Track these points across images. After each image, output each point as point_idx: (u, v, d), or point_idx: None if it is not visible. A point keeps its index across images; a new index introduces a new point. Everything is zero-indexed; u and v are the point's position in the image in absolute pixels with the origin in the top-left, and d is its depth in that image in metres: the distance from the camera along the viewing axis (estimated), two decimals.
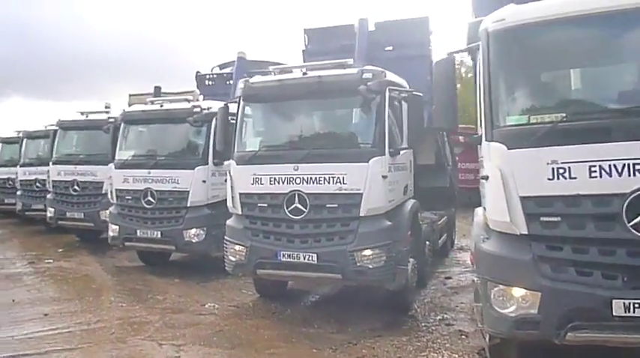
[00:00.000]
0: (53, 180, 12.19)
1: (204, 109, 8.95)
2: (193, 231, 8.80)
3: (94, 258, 10.81)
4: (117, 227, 9.32)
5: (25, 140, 15.29)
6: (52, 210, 12.14)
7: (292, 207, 6.28)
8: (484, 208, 4.51)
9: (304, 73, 6.58)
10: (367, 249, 6.05)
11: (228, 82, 12.17)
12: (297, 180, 6.27)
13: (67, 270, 9.32)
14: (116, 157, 9.63)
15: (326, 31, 9.88)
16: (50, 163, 12.40)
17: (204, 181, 8.87)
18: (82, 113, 12.52)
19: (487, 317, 4.14)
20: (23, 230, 15.14)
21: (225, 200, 9.14)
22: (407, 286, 6.63)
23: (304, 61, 10.06)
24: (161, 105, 9.36)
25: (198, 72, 12.48)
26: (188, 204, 8.82)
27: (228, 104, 7.31)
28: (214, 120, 8.95)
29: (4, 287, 7.95)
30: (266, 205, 6.46)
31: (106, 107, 15.55)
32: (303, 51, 9.99)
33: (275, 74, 6.97)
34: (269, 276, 6.68)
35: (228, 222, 6.90)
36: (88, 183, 11.73)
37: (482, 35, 4.36)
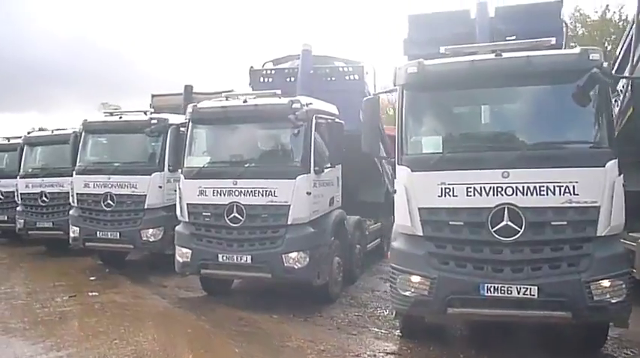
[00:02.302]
0: (78, 193, 10.16)
1: (304, 106, 7.35)
2: (294, 254, 7.14)
3: (142, 287, 8.91)
4: (189, 251, 7.54)
5: (25, 147, 13.02)
6: (77, 229, 10.09)
7: (500, 225, 4.84)
8: None
9: (497, 54, 5.17)
10: (606, 278, 4.67)
11: (289, 79, 10.55)
12: (508, 191, 4.83)
13: (130, 308, 7.39)
14: (185, 165, 7.82)
15: (434, 17, 8.49)
16: (74, 173, 10.36)
17: (308, 193, 7.25)
18: (112, 114, 10.61)
19: None
20: (23, 253, 12.84)
21: (325, 215, 7.79)
22: None
23: (405, 53, 8.69)
24: (245, 101, 7.65)
25: (251, 67, 10.78)
26: (289, 222, 7.16)
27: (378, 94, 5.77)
28: (314, 118, 7.47)
29: (76, 337, 5.89)
30: (461, 224, 4.98)
31: (116, 109, 13.78)
32: (404, 40, 8.57)
33: (449, 56, 5.50)
34: (466, 316, 5.17)
35: (397, 244, 5.35)
36: (126, 196, 9.81)
37: None
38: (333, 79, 10.40)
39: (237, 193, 7.31)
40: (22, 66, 40.73)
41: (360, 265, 9.77)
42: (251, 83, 10.78)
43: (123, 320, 6.63)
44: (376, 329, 6.54)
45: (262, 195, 7.22)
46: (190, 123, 7.90)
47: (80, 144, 10.49)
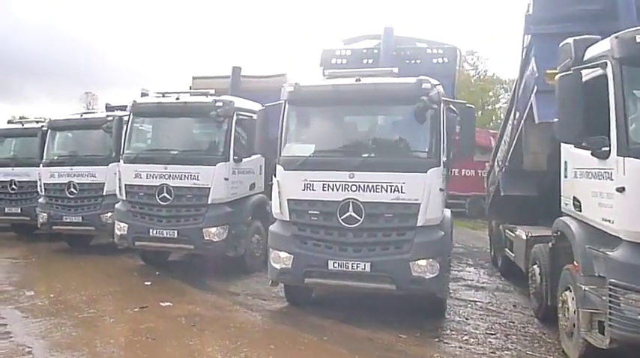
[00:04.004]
0: (127, 185, 8.84)
1: (434, 86, 6.22)
2: (424, 262, 6.02)
3: (213, 295, 7.69)
4: (290, 256, 6.34)
5: (49, 132, 11.55)
6: (125, 226, 8.81)
7: None
8: None
9: None
10: None
11: (366, 61, 9.42)
12: None
13: (225, 324, 6.02)
14: (283, 154, 6.60)
15: None
16: (121, 162, 9.02)
17: (441, 190, 6.17)
18: (163, 95, 9.26)
19: None
20: (46, 250, 11.44)
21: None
22: None
23: (526, 31, 7.64)
24: (358, 80, 6.46)
25: (324, 48, 9.60)
26: (418, 223, 6.04)
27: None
28: (442, 103, 6.35)
29: None
30: None
31: (143, 93, 12.57)
32: (526, 16, 7.51)
33: None
34: None
35: (619, 255, 4.28)
36: (186, 189, 8.52)
37: None
38: (418, 61, 9.34)
39: (353, 188, 6.14)
40: None
41: None
42: (322, 64, 9.65)
43: (232, 342, 5.38)
44: (530, 352, 5.50)
45: (386, 191, 6.06)
46: (288, 105, 6.68)
47: (127, 129, 9.15)
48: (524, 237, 7.71)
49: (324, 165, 6.31)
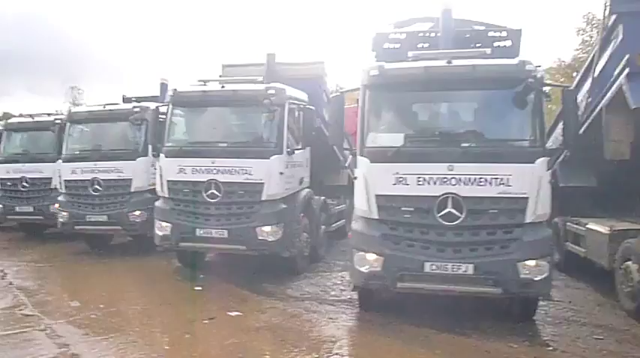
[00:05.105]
0: (170, 181, 8.09)
1: (537, 67, 5.64)
2: (533, 263, 5.46)
3: (276, 300, 6.99)
4: (380, 258, 5.72)
5: (68, 125, 10.69)
6: (168, 225, 8.08)
7: None
8: None
9: None
10: None
11: (422, 45, 8.77)
12: None
13: (321, 337, 5.42)
14: (368, 144, 5.94)
15: None
16: (162, 156, 8.26)
17: (550, 182, 5.61)
18: (205, 83, 8.50)
19: None
20: (64, 251, 10.57)
21: None
22: None
23: (613, 9, 7.09)
24: (449, 62, 5.82)
25: (377, 32, 8.91)
26: (526, 220, 5.47)
27: None
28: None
29: None
30: None
31: (163, 82, 11.90)
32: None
33: None
34: None
35: None
36: (237, 184, 7.82)
37: None
38: (478, 45, 8.70)
39: (453, 182, 5.54)
40: None
41: None
42: (374, 48, 8.95)
43: None
44: None
45: (490, 185, 5.49)
46: (370, 91, 6.03)
47: (167, 120, 8.37)
48: (606, 232, 7.23)
49: (418, 157, 5.71)
